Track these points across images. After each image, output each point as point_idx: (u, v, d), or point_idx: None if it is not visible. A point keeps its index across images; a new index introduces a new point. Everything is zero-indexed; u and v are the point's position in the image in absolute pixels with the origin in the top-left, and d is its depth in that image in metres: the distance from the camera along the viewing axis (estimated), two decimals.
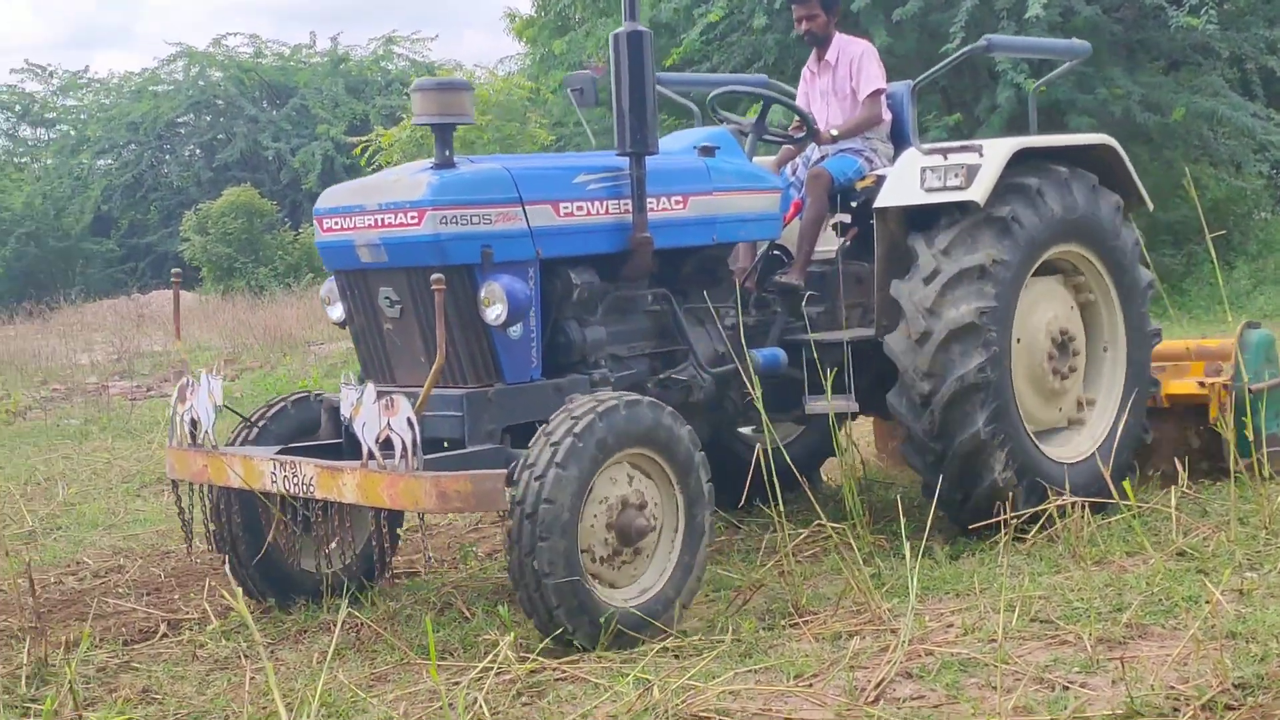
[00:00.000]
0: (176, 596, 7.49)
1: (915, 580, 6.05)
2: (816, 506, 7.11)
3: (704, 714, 5.09)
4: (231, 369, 20.09)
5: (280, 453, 6.59)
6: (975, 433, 7.42)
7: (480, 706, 5.15)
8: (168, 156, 46.24)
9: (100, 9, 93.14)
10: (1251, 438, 7.90)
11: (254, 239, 34.96)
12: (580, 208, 6.82)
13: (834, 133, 8.46)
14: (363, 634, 6.43)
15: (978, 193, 7.55)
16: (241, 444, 6.89)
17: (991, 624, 5.94)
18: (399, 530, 7.09)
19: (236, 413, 7.15)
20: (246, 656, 6.32)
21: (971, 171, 7.59)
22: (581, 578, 5.84)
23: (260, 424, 6.95)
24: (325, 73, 45.21)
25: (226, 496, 6.80)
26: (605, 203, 6.92)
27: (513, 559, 5.81)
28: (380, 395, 5.93)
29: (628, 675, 5.55)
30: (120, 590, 7.76)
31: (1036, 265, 7.84)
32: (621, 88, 6.82)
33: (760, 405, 6.99)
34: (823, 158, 8.57)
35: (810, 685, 5.42)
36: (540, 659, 5.81)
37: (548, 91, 26.82)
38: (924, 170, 7.70)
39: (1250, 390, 8.57)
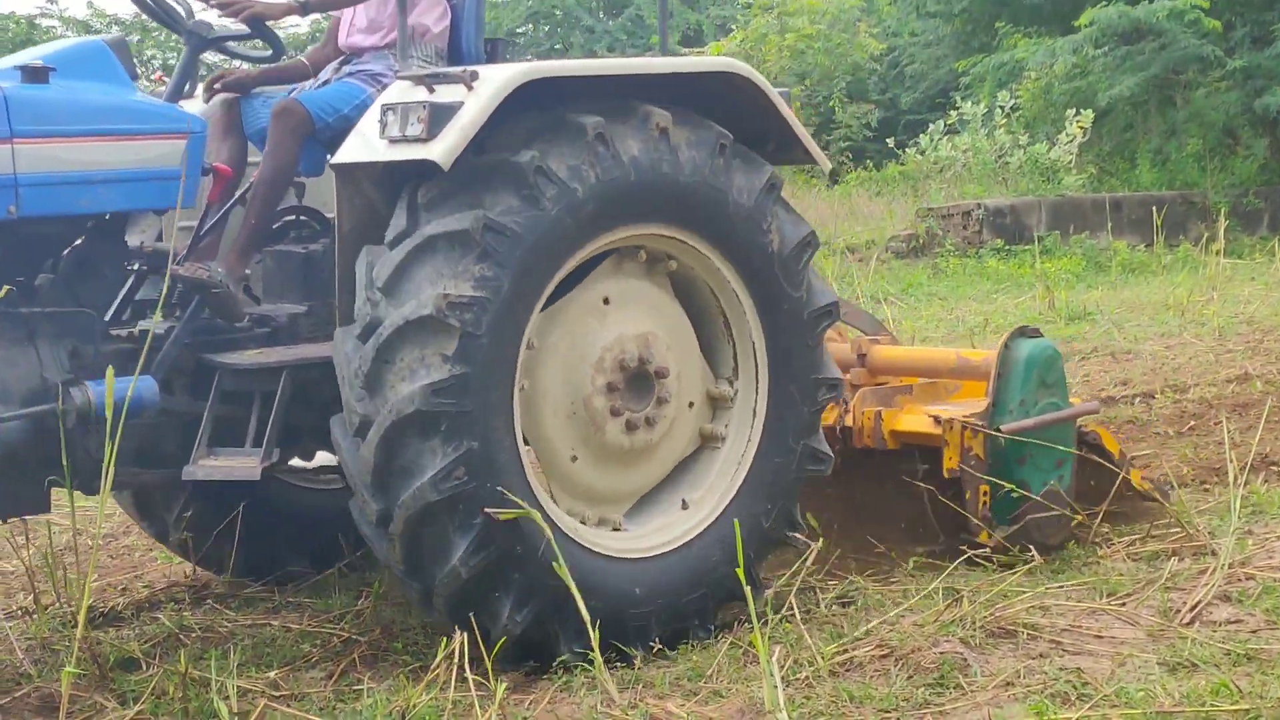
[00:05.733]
0: None
1: (1238, 502, 5.90)
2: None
3: (1010, 626, 5.08)
4: None
5: None
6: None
7: (792, 609, 5.23)
8: None
9: None
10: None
11: None
12: None
13: None
14: None
15: (440, 149, 4.86)
16: None
17: None
18: None
19: None
20: None
21: (441, 114, 4.90)
22: None
23: None
24: None
25: None
26: None
27: None
28: None
29: (938, 586, 5.57)
30: None
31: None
32: None
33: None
34: (325, 83, 5.82)
35: (1123, 604, 5.35)
36: (846, 573, 5.86)
37: (883, 2, 26.53)
38: (385, 111, 5.05)
39: (1001, 431, 5.96)
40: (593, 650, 4.66)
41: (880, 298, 13.77)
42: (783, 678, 4.62)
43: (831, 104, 23.48)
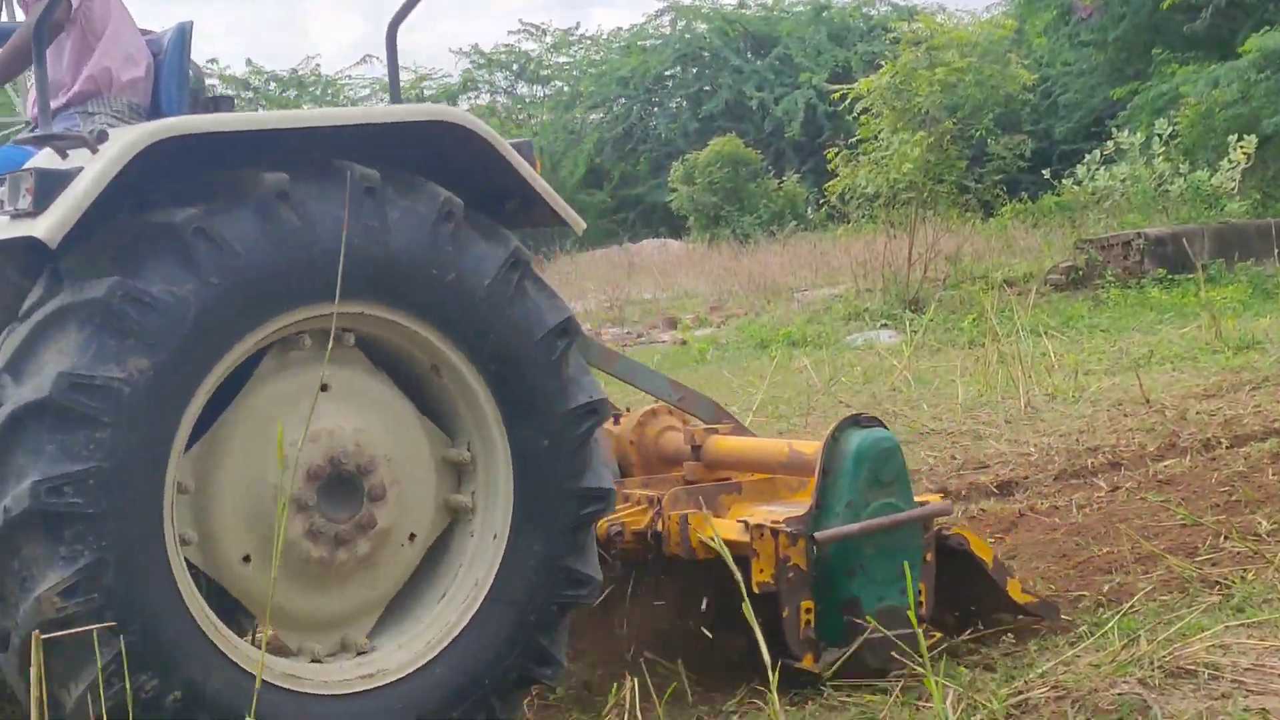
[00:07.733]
0: None
1: None
2: None
3: (1190, 666, 4.95)
4: (717, 315, 20.61)
5: None
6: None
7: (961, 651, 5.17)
8: (656, 109, 47.41)
9: None
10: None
11: (739, 188, 35.57)
12: None
13: None
14: None
15: (46, 224, 4.11)
16: None
17: None
18: None
19: None
20: None
21: (51, 183, 4.16)
22: None
23: None
24: (807, 21, 45.40)
25: None
26: None
27: None
28: None
29: (1114, 625, 5.46)
30: None
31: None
32: None
33: None
34: None
35: None
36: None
37: (1033, 33, 26.30)
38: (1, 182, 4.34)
39: (815, 539, 5.17)
40: None
41: (1041, 331, 13.57)
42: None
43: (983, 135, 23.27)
